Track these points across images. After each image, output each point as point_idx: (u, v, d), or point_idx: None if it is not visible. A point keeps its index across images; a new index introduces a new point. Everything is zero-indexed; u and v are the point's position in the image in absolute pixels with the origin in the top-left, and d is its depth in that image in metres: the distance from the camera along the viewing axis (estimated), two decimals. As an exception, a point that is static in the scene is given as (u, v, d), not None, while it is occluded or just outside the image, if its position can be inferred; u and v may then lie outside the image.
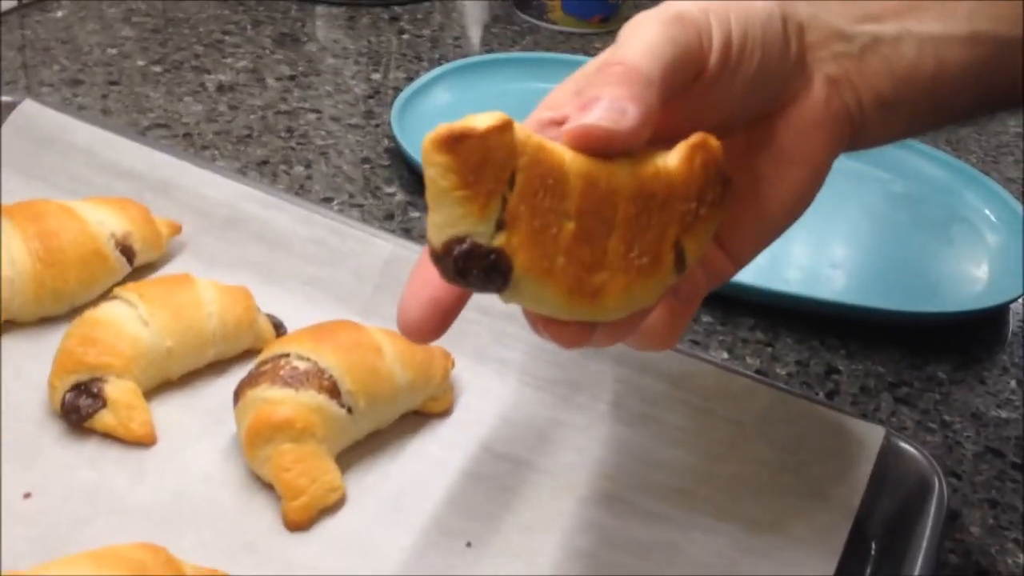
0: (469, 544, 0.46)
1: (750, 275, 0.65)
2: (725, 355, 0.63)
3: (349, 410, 0.48)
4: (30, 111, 0.66)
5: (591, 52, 0.98)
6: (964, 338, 0.67)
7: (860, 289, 0.70)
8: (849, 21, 0.40)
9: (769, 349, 0.64)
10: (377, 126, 0.83)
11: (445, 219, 0.30)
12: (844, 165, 0.79)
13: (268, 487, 0.47)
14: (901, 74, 0.40)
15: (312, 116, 0.83)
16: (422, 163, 0.30)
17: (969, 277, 0.72)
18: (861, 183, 0.80)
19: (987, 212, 0.78)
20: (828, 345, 0.65)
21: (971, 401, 0.62)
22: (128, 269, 0.57)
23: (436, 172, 0.30)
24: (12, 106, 0.66)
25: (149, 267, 0.59)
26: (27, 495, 0.45)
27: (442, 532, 0.46)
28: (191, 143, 0.76)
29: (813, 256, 0.73)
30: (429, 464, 0.50)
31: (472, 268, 0.30)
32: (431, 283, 0.35)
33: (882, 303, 0.65)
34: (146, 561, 0.39)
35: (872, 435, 0.51)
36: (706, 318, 0.66)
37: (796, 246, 0.72)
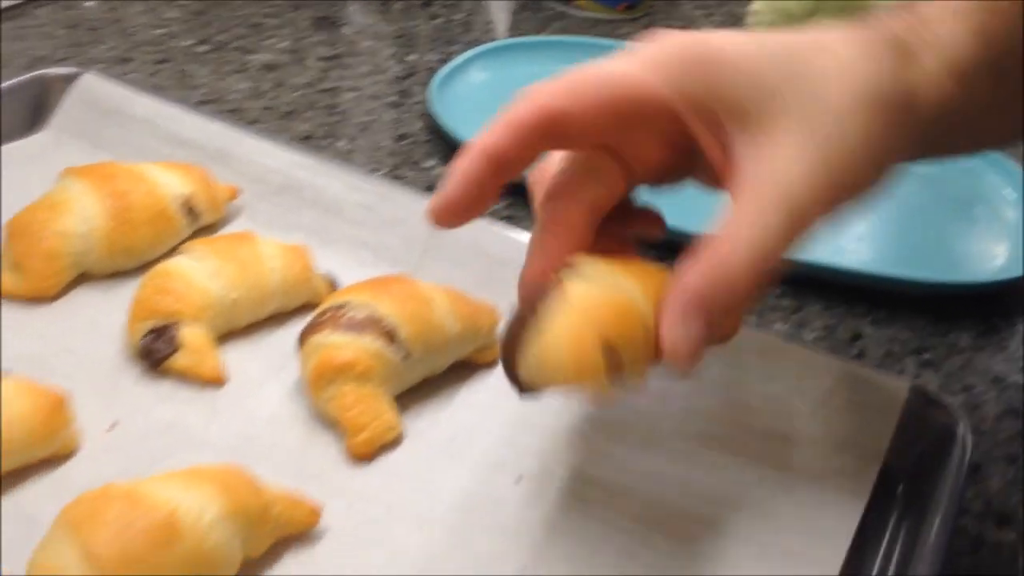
0: (520, 478, 0.49)
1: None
2: (754, 320, 0.66)
3: (405, 356, 0.51)
4: (90, 84, 0.69)
5: (616, 38, 1.01)
6: (986, 308, 0.70)
7: (885, 260, 0.72)
8: None
9: (796, 315, 0.67)
10: (414, 104, 0.86)
11: None
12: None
13: (331, 425, 0.50)
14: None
15: (351, 94, 0.86)
16: None
17: (990, 252, 0.74)
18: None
19: (1008, 193, 0.80)
20: (854, 312, 0.68)
21: (993, 366, 0.65)
22: (191, 229, 0.60)
23: None
24: (73, 78, 0.69)
25: (210, 229, 0.62)
26: (111, 426, 0.48)
27: (493, 468, 0.49)
28: (239, 118, 0.79)
29: (840, 230, 0.75)
30: (478, 409, 0.53)
31: None
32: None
33: (907, 274, 0.68)
34: (230, 479, 0.42)
35: (897, 388, 0.54)
36: (735, 285, 0.69)
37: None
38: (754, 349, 0.56)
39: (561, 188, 0.42)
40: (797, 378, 0.55)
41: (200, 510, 0.40)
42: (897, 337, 0.66)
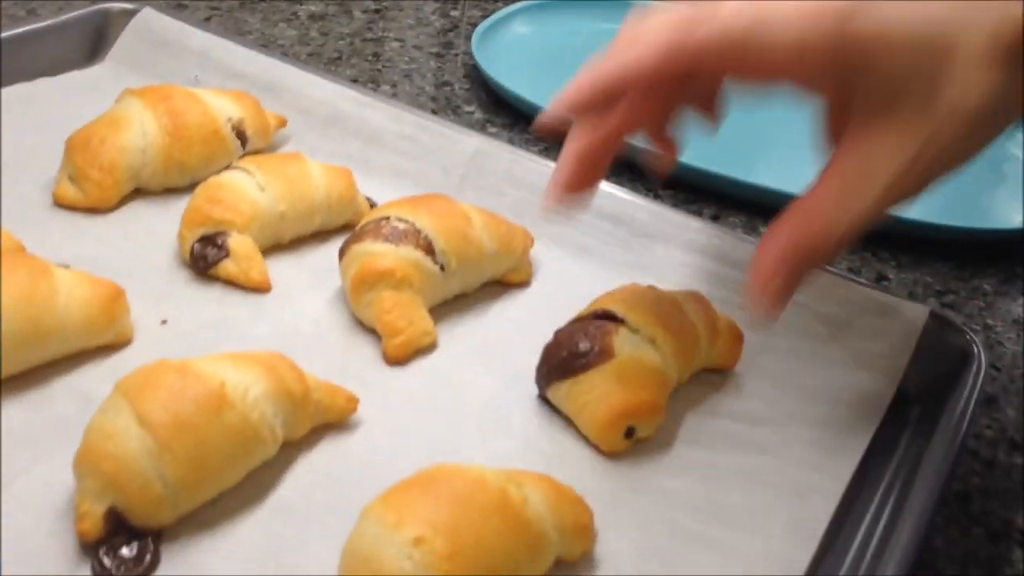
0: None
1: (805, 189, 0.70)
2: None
3: (442, 268, 0.53)
4: (149, 17, 0.72)
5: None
6: (1009, 256, 0.71)
7: (911, 206, 0.74)
8: None
9: (822, 258, 0.69)
10: (456, 55, 0.88)
11: None
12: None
13: (369, 331, 0.53)
14: None
15: (396, 44, 0.88)
16: None
17: (1016, 204, 0.76)
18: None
19: (1035, 148, 0.81)
20: (880, 257, 0.70)
21: (1013, 310, 0.66)
22: (241, 151, 0.63)
23: None
24: (132, 13, 0.73)
25: (258, 154, 0.65)
26: (164, 322, 0.51)
27: (519, 377, 0.51)
28: (287, 59, 0.82)
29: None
30: (509, 324, 0.56)
31: None
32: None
33: (932, 219, 0.69)
34: (277, 364, 0.45)
35: (917, 313, 0.55)
36: (763, 228, 0.70)
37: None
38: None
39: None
40: (819, 303, 0.56)
41: (247, 386, 0.43)
42: (920, 280, 0.68)
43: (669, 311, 0.51)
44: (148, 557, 0.39)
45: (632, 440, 0.48)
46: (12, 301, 0.44)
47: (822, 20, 0.40)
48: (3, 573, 0.38)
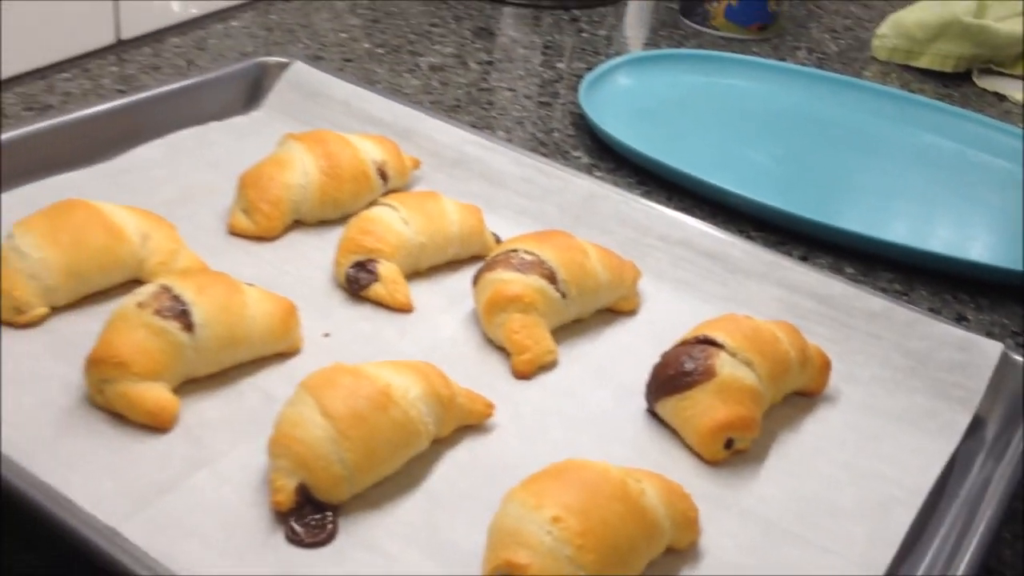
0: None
1: (890, 235, 0.76)
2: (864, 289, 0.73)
3: (563, 295, 0.61)
4: (300, 70, 0.82)
5: (748, 55, 1.09)
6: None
7: (992, 251, 0.79)
8: None
9: (905, 297, 0.75)
10: (562, 105, 0.96)
11: None
12: (986, 160, 0.89)
13: (499, 348, 0.61)
14: None
15: (508, 93, 0.97)
16: None
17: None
18: (996, 173, 0.91)
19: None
20: (960, 299, 0.75)
21: (1084, 350, 0.71)
22: (383, 189, 0.72)
23: None
24: (285, 66, 0.83)
25: (395, 191, 0.74)
26: (326, 335, 0.60)
27: (629, 394, 0.59)
28: (417, 106, 0.91)
29: (953, 224, 0.83)
30: (620, 347, 0.63)
31: None
32: None
33: (1010, 264, 0.75)
34: (429, 372, 0.53)
35: (992, 348, 0.61)
36: (849, 269, 0.77)
37: (938, 212, 0.83)
38: (864, 311, 0.64)
39: None
40: (902, 336, 0.63)
41: (407, 388, 0.51)
42: (997, 321, 0.73)
43: (764, 338, 0.57)
44: (329, 526, 0.47)
45: (731, 451, 0.55)
46: (214, 311, 0.53)
47: None
48: (210, 538, 0.46)
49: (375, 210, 0.65)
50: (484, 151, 0.76)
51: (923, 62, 1.11)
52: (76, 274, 0.56)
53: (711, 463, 0.55)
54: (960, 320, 0.73)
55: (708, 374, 0.55)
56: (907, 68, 1.13)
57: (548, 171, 0.74)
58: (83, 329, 0.56)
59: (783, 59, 1.11)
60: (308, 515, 0.47)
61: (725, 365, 0.55)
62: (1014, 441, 0.56)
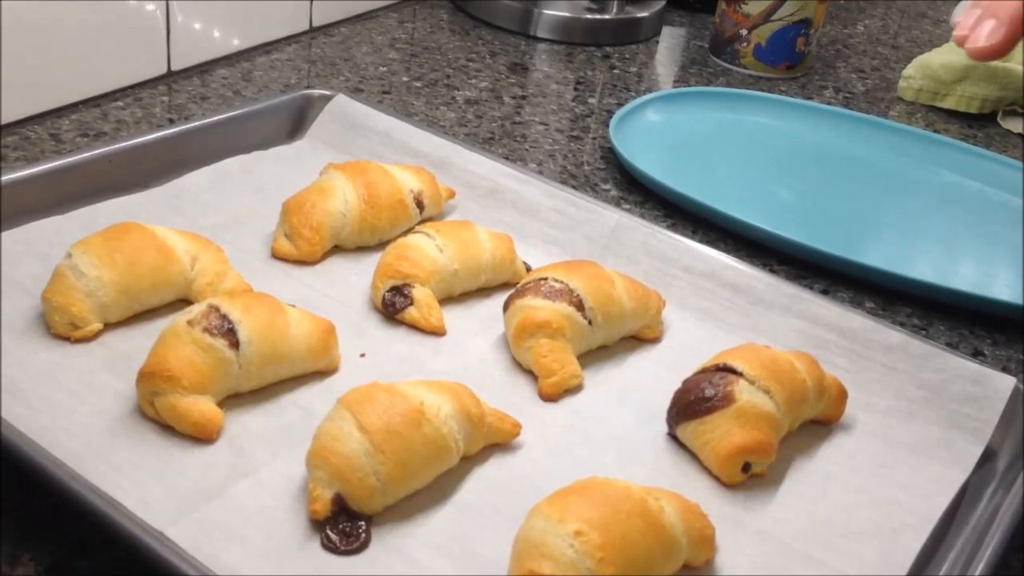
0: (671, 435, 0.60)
1: (909, 270, 0.78)
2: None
3: (590, 322, 0.64)
4: (342, 102, 0.86)
5: (776, 93, 1.12)
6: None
7: (1008, 288, 0.81)
8: None
9: (923, 332, 0.77)
10: (593, 139, 1.00)
11: None
12: (1007, 200, 0.91)
13: (526, 371, 0.64)
14: None
15: (541, 127, 1.00)
16: None
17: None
18: (1012, 212, 0.93)
19: None
20: (976, 334, 0.77)
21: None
22: (419, 217, 0.75)
23: None
24: (328, 98, 0.86)
25: (430, 220, 0.77)
26: (362, 355, 0.63)
27: (651, 417, 0.61)
28: (453, 138, 0.94)
29: (972, 261, 0.85)
30: (643, 372, 0.65)
31: None
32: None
33: (1025, 301, 0.77)
34: (460, 391, 0.55)
35: (1005, 382, 0.63)
36: (868, 303, 0.79)
37: (958, 250, 0.85)
38: (881, 344, 0.66)
39: None
40: (917, 369, 0.65)
41: (439, 406, 0.53)
42: (1014, 358, 0.75)
43: (782, 367, 0.60)
44: (363, 536, 0.50)
45: (748, 474, 0.57)
46: (259, 329, 0.56)
47: None
48: (251, 543, 0.49)
49: (412, 237, 0.68)
50: (517, 183, 0.79)
51: (948, 103, 1.13)
52: (129, 292, 0.60)
53: (728, 485, 0.57)
54: (976, 355, 0.74)
55: (727, 400, 0.57)
56: (933, 108, 1.15)
57: (578, 203, 0.77)
58: (135, 344, 0.59)
59: (810, 98, 1.14)
60: (343, 524, 0.50)
61: (743, 392, 0.58)
62: (1022, 473, 0.58)
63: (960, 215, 0.92)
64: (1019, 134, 1.11)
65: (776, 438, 0.58)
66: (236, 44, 1.03)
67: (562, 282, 0.64)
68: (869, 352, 0.66)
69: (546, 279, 0.65)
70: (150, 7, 0.91)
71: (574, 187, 0.90)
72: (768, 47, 1.16)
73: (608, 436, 0.60)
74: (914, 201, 0.94)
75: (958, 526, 0.57)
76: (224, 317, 0.56)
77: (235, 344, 0.55)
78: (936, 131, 1.10)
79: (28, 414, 0.53)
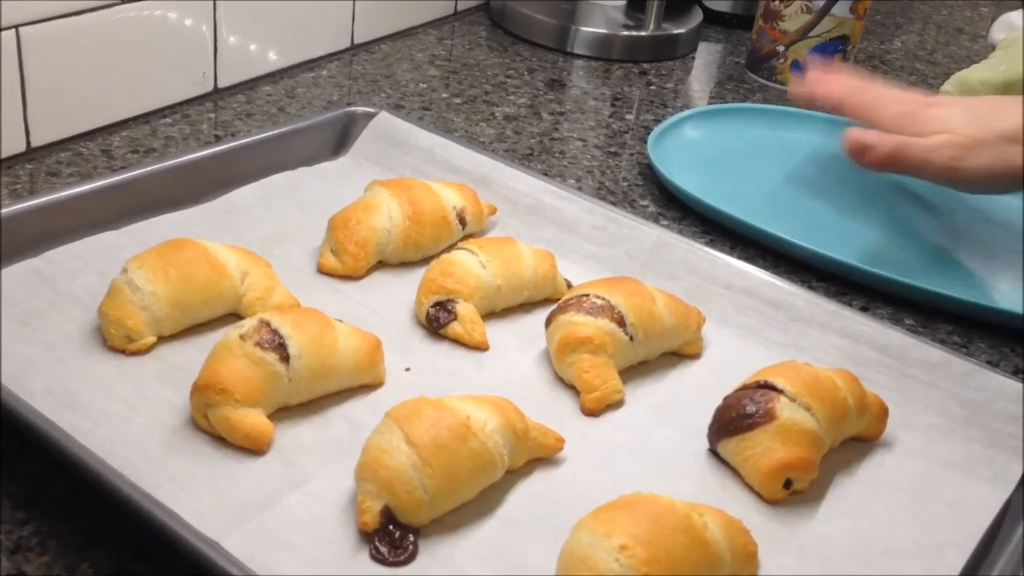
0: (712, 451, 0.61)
1: (949, 288, 0.78)
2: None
3: (631, 338, 0.64)
4: (385, 119, 0.87)
5: (814, 108, 1.12)
6: None
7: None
8: None
9: (964, 349, 0.77)
10: (631, 155, 1.00)
11: None
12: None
13: (568, 387, 0.64)
14: None
15: (579, 143, 1.01)
16: None
17: None
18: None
19: None
20: (1017, 352, 0.77)
21: None
22: (461, 234, 0.76)
23: None
24: (372, 115, 0.88)
25: (472, 236, 0.78)
26: (407, 369, 0.64)
27: (692, 433, 0.62)
28: (495, 155, 0.95)
29: (1012, 278, 0.84)
30: (684, 388, 0.66)
31: None
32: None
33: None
34: (505, 406, 0.56)
35: (1047, 402, 0.63)
36: (908, 320, 0.79)
37: (998, 267, 0.85)
38: (923, 361, 0.66)
39: None
40: (960, 387, 0.65)
41: (485, 420, 0.54)
42: (1056, 375, 0.75)
43: (823, 384, 0.60)
44: (411, 547, 0.51)
45: (790, 491, 0.58)
46: (308, 344, 0.58)
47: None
48: (303, 553, 0.50)
49: (455, 254, 0.70)
50: (558, 199, 0.80)
51: (988, 118, 1.13)
52: (182, 306, 0.61)
53: (770, 502, 0.57)
54: (1017, 372, 0.74)
55: (768, 417, 0.58)
56: (971, 124, 1.15)
57: (618, 220, 0.78)
58: (187, 357, 0.61)
59: (847, 114, 1.14)
60: (391, 535, 0.51)
61: (785, 409, 0.58)
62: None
63: (998, 231, 0.92)
64: (1059, 150, 1.10)
65: (818, 455, 0.58)
66: (280, 62, 1.05)
67: (604, 298, 0.65)
68: (910, 370, 0.66)
69: (588, 295, 0.66)
70: (198, 24, 0.93)
71: (612, 203, 0.90)
72: (805, 64, 1.16)
73: (650, 451, 0.60)
74: (952, 217, 0.94)
75: (1000, 544, 0.57)
76: (275, 332, 0.57)
77: (285, 358, 0.57)
78: (975, 147, 1.09)
79: (87, 425, 0.55)
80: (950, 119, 0.80)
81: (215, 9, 0.94)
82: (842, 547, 0.55)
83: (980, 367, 0.66)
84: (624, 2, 1.29)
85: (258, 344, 0.56)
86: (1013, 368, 0.75)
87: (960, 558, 0.55)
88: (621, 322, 0.64)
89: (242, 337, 0.57)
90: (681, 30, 1.25)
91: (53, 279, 0.66)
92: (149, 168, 0.76)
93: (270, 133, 0.84)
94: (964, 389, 0.65)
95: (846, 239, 0.87)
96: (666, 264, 0.75)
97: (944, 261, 0.87)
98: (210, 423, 0.55)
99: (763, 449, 0.57)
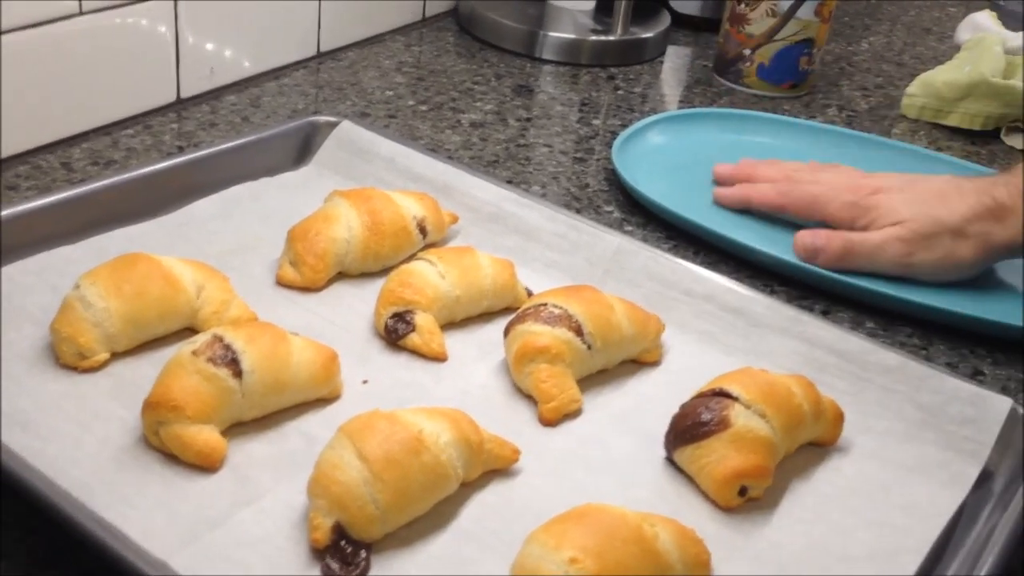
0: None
1: (909, 291, 0.79)
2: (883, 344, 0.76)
3: (589, 347, 0.65)
4: (347, 128, 0.87)
5: (781, 112, 1.13)
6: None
7: (1009, 310, 0.81)
8: None
9: (923, 352, 0.77)
10: (597, 160, 1.00)
11: None
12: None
13: (526, 396, 0.64)
14: None
15: (545, 149, 1.01)
16: None
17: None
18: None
19: None
20: (977, 354, 0.77)
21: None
22: (422, 243, 0.76)
23: None
24: (334, 124, 0.88)
25: (434, 246, 0.78)
26: (364, 381, 0.64)
27: (650, 441, 0.62)
28: (457, 164, 0.95)
29: (972, 281, 0.85)
30: (642, 397, 0.66)
31: None
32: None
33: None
34: (459, 418, 0.56)
35: (1001, 405, 0.63)
36: (869, 323, 0.79)
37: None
38: (880, 365, 0.67)
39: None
40: (915, 390, 0.65)
41: (439, 433, 0.54)
42: (1014, 377, 0.75)
43: (778, 391, 0.60)
44: (363, 563, 0.51)
45: (745, 498, 0.58)
46: (262, 359, 0.57)
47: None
48: (253, 570, 0.50)
49: (414, 264, 0.70)
50: (519, 207, 0.80)
51: (952, 120, 1.14)
52: (136, 322, 0.61)
53: (725, 509, 0.57)
54: (976, 374, 0.75)
55: (723, 425, 0.58)
56: (936, 126, 1.16)
57: (579, 227, 0.78)
58: (141, 374, 0.60)
59: (813, 116, 1.14)
60: (343, 552, 0.51)
61: (739, 416, 0.58)
62: (1018, 494, 0.58)
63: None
64: (1022, 150, 1.11)
65: (773, 462, 0.58)
66: (245, 70, 1.04)
67: (561, 308, 0.65)
68: (867, 374, 0.67)
69: (545, 305, 0.66)
70: (160, 34, 0.93)
71: (577, 209, 0.91)
72: (771, 66, 1.16)
73: (607, 461, 0.60)
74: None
75: (954, 547, 0.57)
76: (227, 347, 0.57)
77: (238, 374, 0.56)
78: (939, 148, 1.10)
79: (38, 444, 0.54)
80: (897, 210, 0.81)
81: (176, 19, 0.94)
82: (797, 554, 0.55)
83: (936, 370, 0.66)
84: (592, 6, 1.29)
85: (210, 360, 0.56)
86: (972, 370, 0.75)
87: (915, 562, 0.55)
88: (579, 331, 0.64)
89: (194, 353, 0.56)
90: (649, 34, 1.26)
91: (8, 295, 0.65)
92: (108, 181, 0.76)
93: (231, 144, 0.84)
94: (920, 392, 0.65)
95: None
96: (627, 271, 0.75)
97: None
98: (162, 441, 0.55)
99: (718, 457, 0.58)
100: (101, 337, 0.60)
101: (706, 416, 0.58)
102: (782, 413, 0.59)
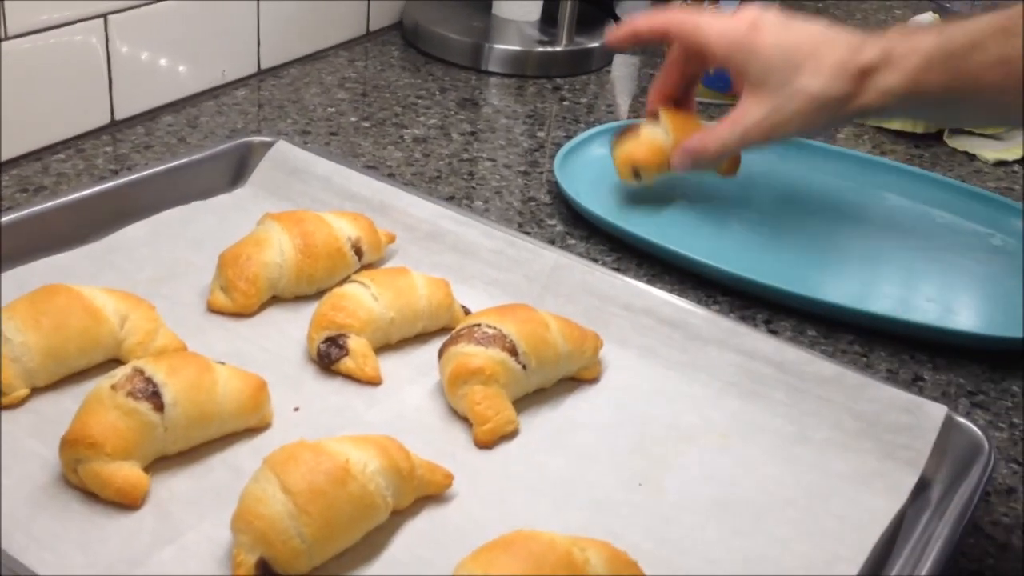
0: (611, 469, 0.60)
1: (850, 298, 0.79)
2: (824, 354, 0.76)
3: (524, 367, 0.64)
4: (283, 148, 0.86)
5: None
6: (1040, 360, 0.78)
7: (948, 315, 0.81)
8: None
9: (864, 359, 0.77)
10: (541, 173, 1.00)
11: None
12: (952, 221, 0.92)
13: (462, 419, 0.63)
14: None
15: (489, 163, 1.01)
16: None
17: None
18: (962, 235, 0.94)
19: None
20: (917, 360, 0.77)
21: (1039, 409, 0.73)
22: (358, 265, 0.75)
23: None
24: (269, 144, 0.86)
25: (371, 266, 0.77)
26: (296, 409, 0.62)
27: (588, 460, 0.61)
28: (394, 182, 0.94)
29: (913, 286, 0.85)
30: (581, 415, 0.65)
31: None
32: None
33: (966, 327, 0.77)
34: (388, 445, 0.55)
35: (938, 412, 0.63)
36: (811, 331, 0.79)
37: (900, 275, 0.86)
38: (817, 376, 0.66)
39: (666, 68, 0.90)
40: (852, 400, 0.65)
41: (365, 462, 0.53)
42: (954, 382, 0.75)
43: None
44: (288, 598, 0.50)
45: (636, 178, 0.87)
46: (185, 391, 0.56)
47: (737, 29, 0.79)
48: (176, 606, 0.49)
49: (347, 287, 0.68)
50: (457, 225, 0.79)
51: (895, 123, 1.14)
52: (56, 356, 0.60)
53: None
54: (916, 380, 0.75)
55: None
56: (880, 130, 1.16)
57: (517, 243, 0.77)
58: (63, 408, 0.59)
59: (758, 123, 1.14)
60: (268, 588, 0.50)
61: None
62: (954, 501, 0.58)
63: (904, 239, 0.93)
64: (965, 152, 1.12)
65: None
66: (182, 89, 1.03)
67: (495, 328, 0.64)
68: (805, 384, 0.67)
69: (479, 325, 0.65)
70: (92, 55, 0.91)
71: (520, 224, 0.90)
72: (716, 74, 1.16)
73: (542, 482, 0.60)
74: (858, 227, 0.95)
75: (894, 556, 0.57)
76: (148, 380, 0.56)
77: (160, 407, 0.55)
78: (883, 152, 1.10)
79: (-50, 487, 0.53)
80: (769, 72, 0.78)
81: (108, 39, 0.92)
82: (733, 567, 0.55)
83: (872, 379, 0.66)
84: (538, 18, 1.28)
85: (130, 394, 0.55)
86: (912, 375, 0.75)
87: (851, 571, 0.55)
88: (513, 351, 0.64)
89: (113, 387, 0.55)
90: (595, 44, 1.25)
91: (-72, 331, 0.63)
92: (34, 209, 0.74)
93: (163, 167, 0.82)
94: (857, 402, 0.65)
95: (750, 254, 0.87)
96: (565, 286, 0.74)
97: (847, 272, 0.88)
98: (81, 479, 0.54)
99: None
100: (20, 372, 0.59)
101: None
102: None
